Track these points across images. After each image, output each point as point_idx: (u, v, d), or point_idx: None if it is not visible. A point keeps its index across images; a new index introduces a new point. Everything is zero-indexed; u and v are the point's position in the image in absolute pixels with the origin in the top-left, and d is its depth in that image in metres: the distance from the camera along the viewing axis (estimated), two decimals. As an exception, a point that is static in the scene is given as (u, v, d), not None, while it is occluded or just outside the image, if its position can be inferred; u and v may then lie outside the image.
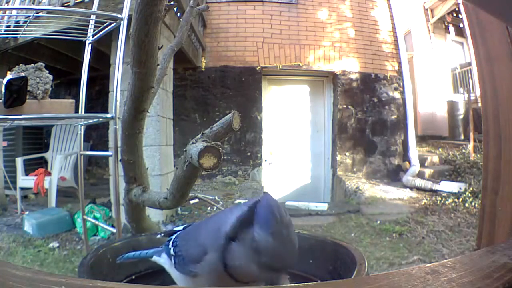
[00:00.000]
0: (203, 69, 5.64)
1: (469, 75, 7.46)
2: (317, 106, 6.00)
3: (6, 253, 3.11)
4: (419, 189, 5.11)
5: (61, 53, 4.63)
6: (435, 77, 7.54)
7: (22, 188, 4.30)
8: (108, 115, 1.86)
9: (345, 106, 5.84)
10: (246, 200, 0.60)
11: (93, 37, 1.96)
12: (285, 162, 5.87)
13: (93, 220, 3.12)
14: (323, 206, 4.68)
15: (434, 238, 3.44)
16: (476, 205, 4.02)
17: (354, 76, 5.87)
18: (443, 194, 4.69)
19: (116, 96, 1.76)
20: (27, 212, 3.89)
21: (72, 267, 2.80)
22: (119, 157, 1.27)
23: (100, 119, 1.98)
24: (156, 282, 0.83)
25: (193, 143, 0.77)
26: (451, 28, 8.02)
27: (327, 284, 0.51)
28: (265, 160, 5.77)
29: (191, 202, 4.16)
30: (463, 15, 6.93)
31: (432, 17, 7.81)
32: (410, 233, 3.61)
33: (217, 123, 0.80)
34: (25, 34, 2.42)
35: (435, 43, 7.81)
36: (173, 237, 0.69)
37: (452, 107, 7.44)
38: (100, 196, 4.19)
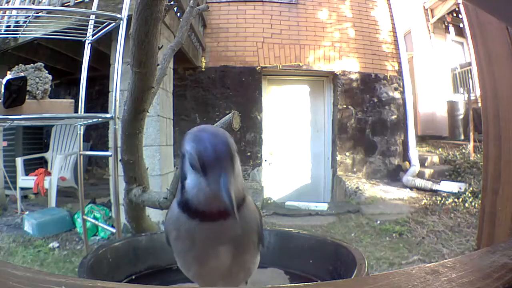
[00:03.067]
0: (203, 69, 5.64)
1: (469, 75, 7.46)
2: (317, 106, 6.00)
3: (6, 253, 3.11)
4: (419, 189, 5.11)
5: (61, 53, 4.63)
6: (435, 77, 7.54)
7: (22, 188, 4.30)
8: (108, 115, 1.86)
9: (345, 106, 5.84)
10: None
11: (92, 37, 1.96)
12: (285, 162, 5.87)
13: (93, 220, 3.12)
14: (323, 206, 4.68)
15: (434, 238, 3.44)
16: (476, 205, 4.01)
17: (354, 76, 5.87)
18: (443, 194, 4.69)
19: (115, 96, 1.76)
20: (27, 212, 3.89)
21: (72, 267, 2.80)
22: (119, 157, 1.27)
23: (100, 119, 1.98)
24: (156, 282, 0.83)
25: (193, 143, 0.77)
26: (451, 28, 8.02)
27: (327, 284, 0.51)
28: (265, 160, 5.77)
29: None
30: (463, 15, 6.93)
31: (432, 17, 7.81)
32: (410, 233, 3.61)
33: (217, 123, 0.80)
34: (25, 34, 2.42)
35: (435, 43, 7.81)
36: None
37: (452, 107, 7.44)
38: (100, 196, 4.19)
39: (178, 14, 4.18)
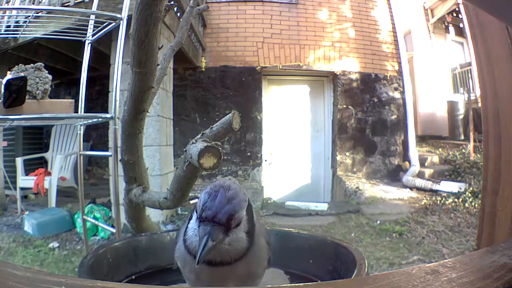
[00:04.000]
0: (203, 69, 5.64)
1: (469, 75, 7.46)
2: (317, 106, 6.00)
3: (6, 253, 3.11)
4: (419, 189, 5.11)
5: (61, 53, 4.63)
6: (435, 77, 7.54)
7: (22, 188, 4.29)
8: (108, 115, 1.86)
9: (345, 106, 5.84)
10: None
11: (92, 37, 1.96)
12: (285, 162, 5.87)
13: (93, 220, 3.12)
14: (323, 206, 4.67)
15: (434, 238, 3.44)
16: (476, 205, 4.01)
17: (354, 76, 5.87)
18: (443, 194, 4.69)
19: (115, 96, 1.76)
20: (27, 212, 3.89)
21: (72, 267, 2.80)
22: (119, 157, 1.27)
23: (100, 119, 1.98)
24: (156, 282, 0.83)
25: (193, 143, 0.77)
26: (451, 28, 8.02)
27: (327, 284, 0.51)
28: (265, 160, 5.77)
29: (191, 202, 4.16)
30: (463, 15, 6.94)
31: (432, 17, 7.81)
32: (410, 233, 3.61)
33: (217, 123, 0.80)
34: (25, 34, 2.42)
35: (435, 43, 7.81)
36: None
37: (452, 107, 7.44)
38: (100, 196, 4.19)
39: (178, 14, 4.18)
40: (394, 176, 5.82)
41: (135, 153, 1.20)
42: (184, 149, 0.79)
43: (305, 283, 0.47)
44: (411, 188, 5.19)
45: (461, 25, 7.76)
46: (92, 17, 1.97)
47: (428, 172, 5.50)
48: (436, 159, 6.06)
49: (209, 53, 5.69)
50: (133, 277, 0.82)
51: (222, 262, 0.54)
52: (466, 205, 4.17)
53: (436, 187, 4.96)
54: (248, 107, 5.57)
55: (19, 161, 4.36)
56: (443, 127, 7.39)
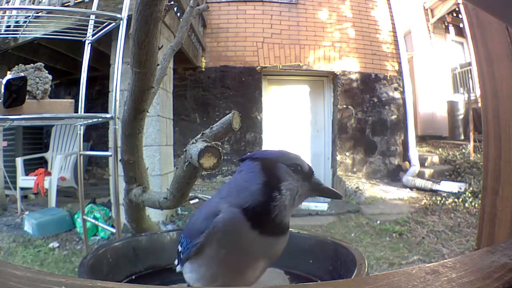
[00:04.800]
0: (203, 69, 5.64)
1: (469, 75, 7.46)
2: (317, 106, 6.00)
3: (6, 253, 3.11)
4: (419, 189, 5.11)
5: (61, 53, 4.63)
6: (435, 77, 7.54)
7: (22, 188, 4.30)
8: (108, 115, 1.86)
9: (345, 106, 5.84)
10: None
11: (92, 37, 1.96)
12: (285, 162, 5.86)
13: (93, 220, 3.11)
14: (323, 206, 4.67)
15: (434, 238, 3.44)
16: (476, 205, 4.01)
17: (354, 76, 5.87)
18: (443, 194, 4.69)
19: (115, 96, 1.76)
20: (27, 212, 3.89)
21: (72, 267, 2.80)
22: (119, 157, 1.27)
23: (100, 119, 1.98)
24: (156, 282, 0.83)
25: (193, 143, 0.77)
26: (451, 28, 8.02)
27: (327, 284, 0.51)
28: (265, 160, 5.77)
29: (191, 202, 4.16)
30: (463, 15, 6.94)
31: (432, 17, 7.81)
32: (410, 233, 3.61)
33: (217, 123, 0.80)
34: (25, 34, 2.42)
35: (435, 43, 7.82)
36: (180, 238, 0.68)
37: (452, 107, 7.44)
38: (100, 196, 4.19)
39: (178, 14, 4.18)
40: (394, 176, 5.82)
41: (135, 153, 1.19)
42: (184, 149, 0.79)
43: (305, 283, 0.47)
44: (411, 188, 5.20)
45: (461, 25, 7.76)
46: (92, 17, 1.97)
47: (428, 172, 5.51)
48: (436, 159, 6.06)
49: (209, 53, 5.70)
50: (133, 277, 0.83)
51: (281, 230, 0.57)
52: (466, 205, 4.17)
53: (436, 187, 4.96)
54: (248, 107, 5.57)
55: (19, 161, 4.36)
56: (443, 127, 7.39)
